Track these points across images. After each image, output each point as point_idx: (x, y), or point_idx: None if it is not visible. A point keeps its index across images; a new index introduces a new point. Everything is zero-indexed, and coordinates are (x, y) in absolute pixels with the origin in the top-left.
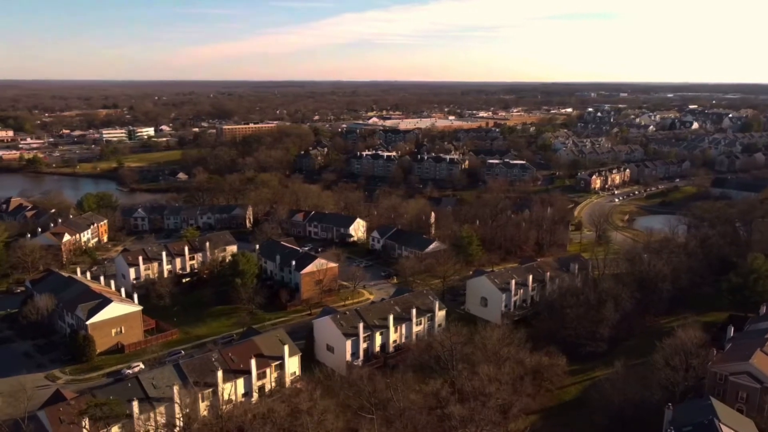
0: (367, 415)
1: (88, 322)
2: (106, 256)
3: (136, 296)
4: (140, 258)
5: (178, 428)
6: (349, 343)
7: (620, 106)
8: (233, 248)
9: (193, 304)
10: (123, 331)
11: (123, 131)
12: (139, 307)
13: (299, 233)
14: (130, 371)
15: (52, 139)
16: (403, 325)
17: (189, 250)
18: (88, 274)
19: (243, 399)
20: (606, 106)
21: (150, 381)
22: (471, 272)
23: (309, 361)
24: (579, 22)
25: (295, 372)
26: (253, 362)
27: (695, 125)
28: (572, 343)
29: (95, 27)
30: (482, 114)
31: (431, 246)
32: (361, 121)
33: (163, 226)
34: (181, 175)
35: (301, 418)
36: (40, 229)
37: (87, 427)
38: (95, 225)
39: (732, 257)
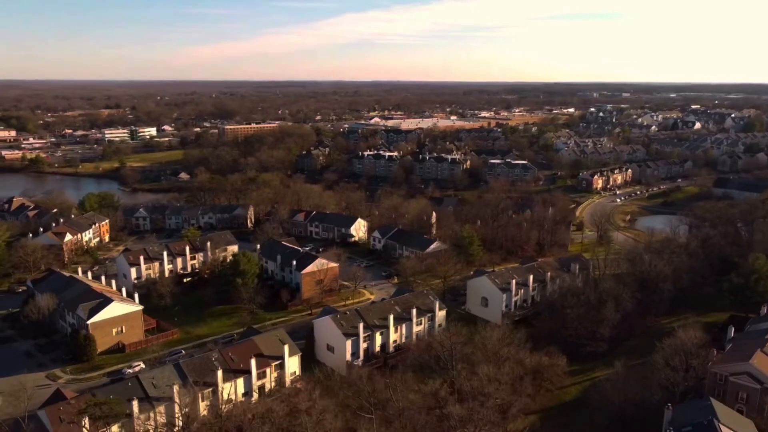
0: (366, 415)
1: (88, 322)
2: (107, 255)
3: (137, 296)
4: (141, 258)
5: (177, 428)
6: (349, 343)
7: (622, 106)
8: (234, 248)
9: (194, 304)
10: (124, 331)
11: (125, 131)
12: (140, 307)
13: (300, 233)
14: (130, 371)
15: (54, 139)
16: (404, 325)
17: (190, 249)
18: (89, 274)
19: (243, 399)
20: (608, 106)
21: (150, 380)
22: (472, 272)
23: (309, 361)
24: (581, 22)
25: (295, 372)
26: (253, 362)
27: (698, 125)
28: (573, 344)
29: (98, 27)
30: (484, 114)
31: (432, 246)
32: (363, 121)
33: (164, 226)
34: (183, 175)
35: (299, 417)
36: (41, 229)
37: (87, 426)
38: (97, 225)
39: (733, 257)
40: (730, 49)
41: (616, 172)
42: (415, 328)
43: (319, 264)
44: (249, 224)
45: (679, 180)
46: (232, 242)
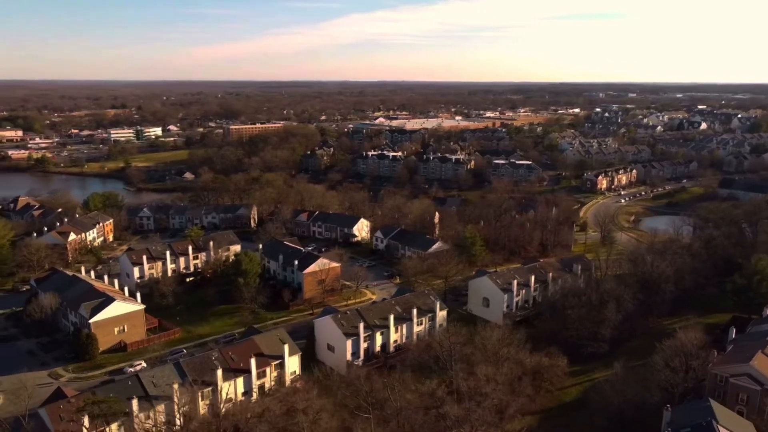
0: (363, 415)
1: (91, 321)
2: (111, 255)
3: (139, 295)
4: (144, 257)
5: (177, 427)
6: (349, 343)
7: (628, 106)
8: (237, 248)
9: (196, 303)
10: (126, 330)
11: (131, 131)
12: (142, 306)
13: (303, 233)
14: (132, 369)
15: (60, 139)
16: (404, 325)
17: (193, 249)
18: (92, 273)
19: (243, 398)
20: (614, 107)
21: (150, 379)
22: (474, 273)
23: (310, 361)
24: (588, 22)
25: (295, 371)
26: (252, 361)
27: (703, 125)
28: (574, 344)
29: (105, 27)
30: (489, 114)
31: (434, 246)
32: (367, 121)
33: (168, 226)
34: (188, 175)
35: (296, 417)
36: (46, 228)
37: (86, 424)
38: (101, 224)
39: (737, 258)
40: (738, 49)
41: (620, 172)
42: (416, 328)
43: (320, 264)
44: (252, 224)
45: (684, 180)
46: (235, 242)
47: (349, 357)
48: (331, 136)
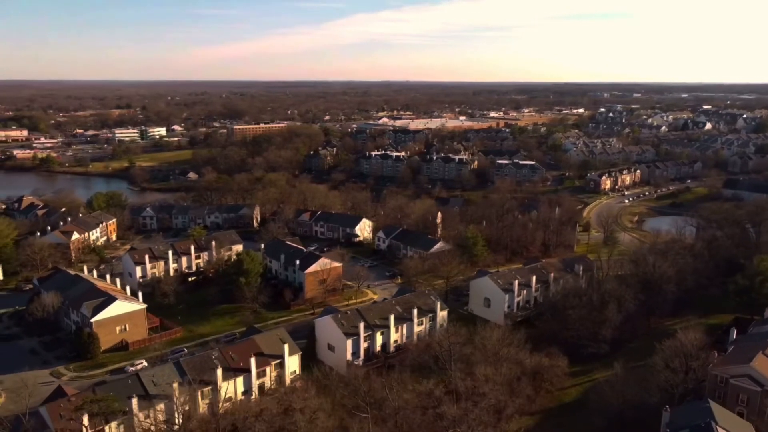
0: (361, 414)
1: (92, 320)
2: (114, 254)
3: (140, 294)
4: (147, 256)
5: (176, 426)
6: (349, 343)
7: (633, 106)
8: (239, 247)
9: (198, 303)
10: (127, 329)
11: (135, 131)
12: (144, 306)
13: (306, 233)
14: (133, 368)
15: (65, 139)
16: (404, 325)
17: (195, 249)
18: (95, 273)
19: (243, 397)
20: (618, 107)
21: (150, 378)
22: (475, 273)
23: (311, 360)
24: (593, 21)
25: (295, 371)
26: (252, 361)
27: (708, 126)
28: (574, 345)
29: (111, 27)
30: (493, 114)
31: (436, 246)
32: (371, 122)
33: (171, 225)
34: (192, 175)
35: (294, 416)
36: (49, 228)
37: (86, 423)
38: (104, 224)
39: (740, 259)
40: (743, 49)
41: (624, 172)
42: (416, 328)
43: (322, 264)
44: (255, 224)
45: (689, 181)
46: (237, 241)
47: (349, 357)
48: (335, 136)
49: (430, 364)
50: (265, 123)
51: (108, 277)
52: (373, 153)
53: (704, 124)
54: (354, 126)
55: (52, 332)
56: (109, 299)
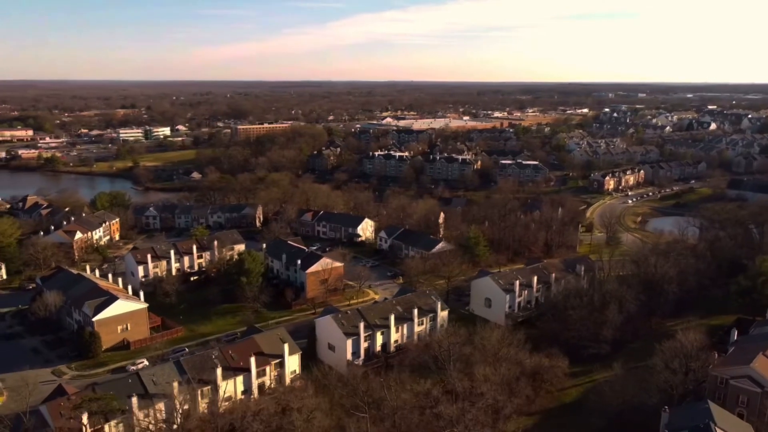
0: (360, 414)
1: (94, 319)
2: (117, 253)
3: (142, 293)
4: (149, 256)
5: (176, 425)
6: (349, 343)
7: (638, 106)
8: (241, 247)
9: (200, 302)
10: (129, 328)
11: (140, 131)
12: (145, 305)
13: (308, 233)
14: (134, 368)
15: (70, 139)
16: (405, 325)
17: (197, 248)
18: (97, 272)
19: (243, 396)
20: (623, 107)
21: (150, 377)
22: (477, 273)
23: (311, 360)
24: (598, 21)
25: (295, 370)
26: (252, 360)
27: (713, 126)
28: (575, 345)
29: (116, 27)
30: (497, 114)
31: (438, 246)
32: (375, 122)
33: (174, 225)
34: (195, 175)
35: (291, 415)
36: (53, 227)
37: (85, 421)
38: (107, 223)
39: (743, 259)
40: (749, 48)
41: (628, 173)
42: (417, 328)
43: (323, 263)
44: (257, 223)
45: (693, 181)
46: (239, 241)
47: (349, 356)
48: (339, 136)
49: (429, 364)
50: (269, 123)
51: (110, 276)
52: (377, 153)
53: (709, 125)
54: (358, 126)
55: (54, 331)
56: (111, 298)
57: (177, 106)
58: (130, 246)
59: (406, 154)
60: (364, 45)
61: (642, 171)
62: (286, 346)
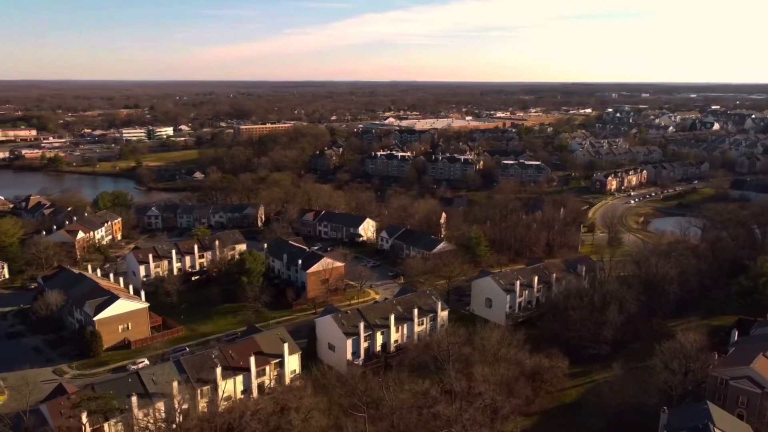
0: (358, 414)
1: (95, 318)
2: (119, 253)
3: (143, 293)
4: (150, 256)
5: (175, 424)
6: (349, 342)
7: (641, 106)
8: (242, 247)
9: (201, 302)
10: (130, 328)
11: (142, 131)
12: (146, 304)
13: (309, 232)
14: (134, 367)
15: (73, 139)
16: (405, 325)
17: (198, 248)
18: (99, 271)
19: (242, 396)
20: (626, 107)
21: (150, 376)
22: (478, 273)
23: (311, 360)
24: (602, 21)
25: (295, 370)
26: (252, 360)
27: (716, 126)
28: (575, 346)
29: (121, 27)
30: (500, 114)
31: (439, 246)
32: (377, 122)
33: (176, 225)
34: (198, 175)
35: (289, 415)
36: (55, 227)
37: (84, 420)
38: (109, 223)
39: (745, 260)
40: (754, 48)
41: (630, 173)
42: (417, 328)
43: (324, 263)
44: (259, 223)
45: (696, 182)
46: (240, 241)
47: (349, 356)
48: (341, 136)
49: (428, 364)
50: (272, 123)
51: (111, 276)
52: (379, 153)
53: (712, 125)
54: (360, 126)
55: (55, 330)
56: (112, 298)
57: (180, 106)
58: (132, 246)
59: (409, 154)
60: (367, 45)
61: (645, 171)
62: (285, 346)
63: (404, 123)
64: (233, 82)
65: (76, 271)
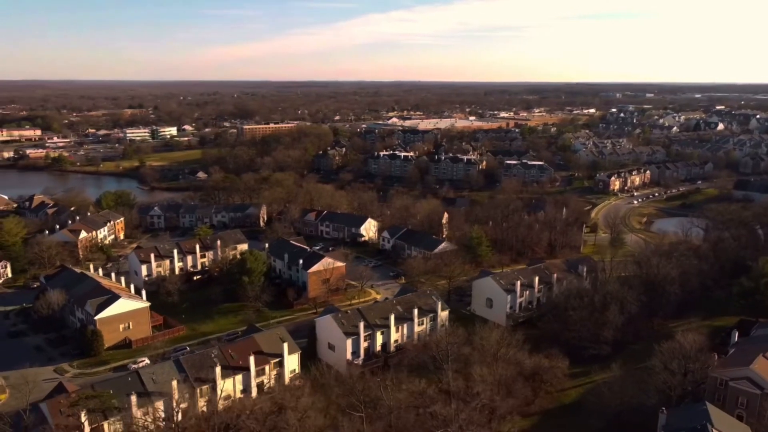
0: (355, 413)
1: (96, 318)
2: (121, 253)
3: (144, 292)
4: (152, 255)
5: (174, 423)
6: (349, 342)
7: (645, 106)
8: (244, 246)
9: (202, 301)
10: (131, 327)
11: (146, 131)
12: (147, 304)
13: (311, 232)
14: (135, 366)
15: (77, 138)
16: (405, 325)
17: (200, 248)
18: (101, 271)
19: (242, 395)
20: (630, 107)
21: (150, 375)
22: (479, 273)
23: (312, 359)
24: (606, 21)
25: (294, 369)
26: (251, 359)
27: (720, 126)
28: (576, 346)
29: (125, 27)
30: (503, 114)
31: (440, 246)
32: (380, 122)
33: (178, 224)
34: (201, 174)
35: (286, 414)
36: (58, 226)
37: (84, 419)
38: (112, 222)
39: (747, 260)
40: (759, 48)
41: (634, 173)
42: (417, 328)
43: (325, 263)
44: (261, 223)
45: (699, 182)
46: (242, 241)
47: (349, 356)
48: (344, 136)
49: (427, 364)
50: (275, 123)
51: (113, 275)
52: (382, 153)
53: (716, 125)
54: (363, 126)
55: (57, 329)
56: (113, 297)
57: (184, 106)
58: (135, 245)
59: (412, 154)
60: (370, 45)
61: (648, 171)
62: (285, 346)
63: (407, 123)
64: (237, 82)
65: (77, 270)
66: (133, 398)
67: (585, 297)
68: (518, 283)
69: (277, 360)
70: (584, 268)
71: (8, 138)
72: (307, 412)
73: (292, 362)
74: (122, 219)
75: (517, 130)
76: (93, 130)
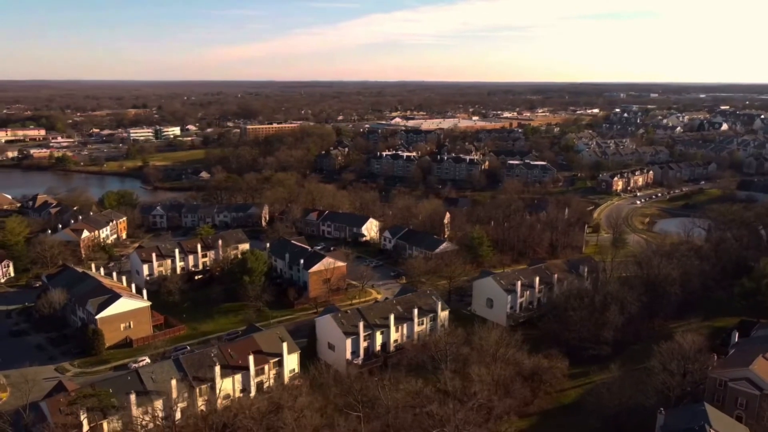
0: (353, 413)
1: (97, 317)
2: (123, 252)
3: (145, 292)
4: (154, 255)
5: (173, 422)
6: (349, 342)
7: (649, 106)
8: (245, 246)
9: (203, 301)
10: (132, 326)
11: (150, 130)
12: (148, 303)
13: (313, 232)
14: (135, 365)
15: (81, 138)
16: (405, 325)
17: (202, 247)
18: (102, 270)
19: (241, 395)
20: (634, 107)
21: (149, 375)
22: (480, 273)
23: (311, 359)
24: (610, 21)
25: (294, 369)
26: (251, 359)
27: (724, 126)
28: (576, 346)
29: (128, 26)
30: (506, 114)
31: (441, 246)
32: (384, 122)
33: (180, 224)
34: (204, 174)
35: (283, 413)
36: (61, 226)
37: (83, 417)
38: (114, 222)
39: (749, 261)
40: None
41: (637, 173)
42: (417, 328)
43: (326, 263)
44: (263, 223)
45: (702, 182)
46: (243, 240)
47: (348, 356)
48: (347, 136)
49: (426, 364)
50: (279, 123)
51: (115, 274)
52: (384, 153)
53: (720, 125)
54: (366, 126)
55: (58, 328)
56: (114, 296)
57: (188, 106)
58: (137, 245)
59: (414, 154)
60: (374, 45)
61: (651, 172)
62: (284, 345)
63: (410, 123)
64: (241, 82)
65: (79, 269)
66: (132, 397)
67: (585, 297)
68: (519, 283)
69: (277, 359)
70: (585, 268)
71: (12, 138)
72: (304, 412)
73: (291, 362)
74: (125, 218)
75: (520, 130)
76: (97, 130)
